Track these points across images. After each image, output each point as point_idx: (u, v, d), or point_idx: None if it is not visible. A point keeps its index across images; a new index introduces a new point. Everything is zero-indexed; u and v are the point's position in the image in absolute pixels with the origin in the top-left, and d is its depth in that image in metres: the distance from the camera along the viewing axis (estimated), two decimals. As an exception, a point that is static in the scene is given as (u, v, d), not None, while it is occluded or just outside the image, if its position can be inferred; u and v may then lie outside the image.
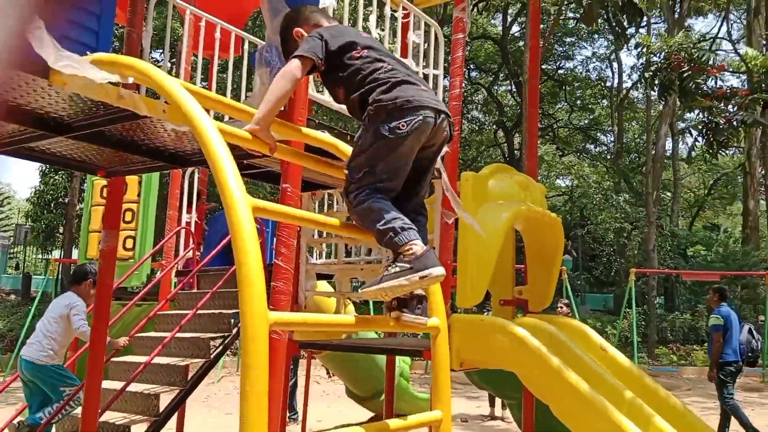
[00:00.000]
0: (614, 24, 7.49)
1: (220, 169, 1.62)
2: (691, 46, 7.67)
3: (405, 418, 1.95)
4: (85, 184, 10.09)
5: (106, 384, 4.23)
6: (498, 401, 8.72)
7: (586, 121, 30.11)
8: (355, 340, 4.64)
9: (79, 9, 2.19)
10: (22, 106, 2.32)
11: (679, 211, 27.13)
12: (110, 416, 4.29)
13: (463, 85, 4.13)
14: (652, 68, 7.69)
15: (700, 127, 7.64)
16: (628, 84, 28.28)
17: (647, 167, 21.85)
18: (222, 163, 1.63)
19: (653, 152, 21.24)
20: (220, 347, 4.61)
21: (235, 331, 4.63)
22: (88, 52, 2.06)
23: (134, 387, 4.39)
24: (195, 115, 1.71)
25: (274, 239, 2.99)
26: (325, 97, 3.28)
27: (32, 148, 2.83)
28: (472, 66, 26.91)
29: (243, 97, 5.32)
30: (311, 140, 2.37)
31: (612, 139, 29.56)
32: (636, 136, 30.33)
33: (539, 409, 4.01)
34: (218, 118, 3.31)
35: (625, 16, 6.71)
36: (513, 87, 26.59)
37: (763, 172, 19.93)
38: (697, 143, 7.96)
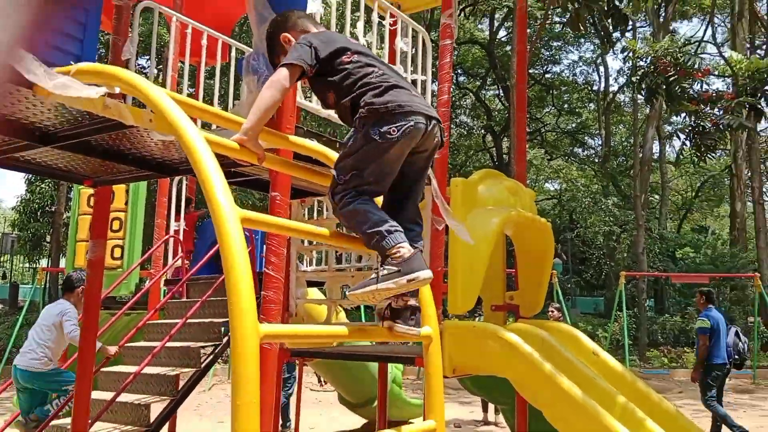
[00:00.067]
0: (600, 29, 7.52)
1: (208, 181, 1.60)
2: (677, 50, 7.71)
3: (399, 429, 1.93)
4: (72, 193, 10.01)
5: (96, 395, 4.20)
6: (491, 406, 8.71)
7: (573, 125, 30.28)
8: (347, 347, 4.61)
9: (65, 18, 2.16)
10: (6, 116, 2.29)
11: (667, 214, 27.34)
12: (100, 427, 4.25)
13: (451, 90, 4.14)
14: (639, 72, 7.72)
15: (687, 131, 7.67)
16: (615, 88, 28.56)
17: (635, 170, 21.98)
18: (209, 174, 1.61)
19: (641, 155, 21.37)
20: (211, 356, 4.58)
21: (225, 340, 4.60)
22: (72, 62, 2.03)
23: (124, 397, 4.35)
24: (181, 125, 1.70)
25: (264, 247, 2.97)
26: (314, 104, 3.26)
27: (17, 158, 2.79)
28: (459, 71, 26.99)
29: (231, 104, 5.30)
30: (300, 149, 2.36)
31: (599, 142, 29.75)
32: (623, 139, 30.53)
33: (532, 414, 4.01)
34: (206, 125, 3.29)
35: (610, 21, 6.74)
36: (500, 91, 26.71)
37: (749, 174, 20.10)
38: (684, 147, 7.98)
